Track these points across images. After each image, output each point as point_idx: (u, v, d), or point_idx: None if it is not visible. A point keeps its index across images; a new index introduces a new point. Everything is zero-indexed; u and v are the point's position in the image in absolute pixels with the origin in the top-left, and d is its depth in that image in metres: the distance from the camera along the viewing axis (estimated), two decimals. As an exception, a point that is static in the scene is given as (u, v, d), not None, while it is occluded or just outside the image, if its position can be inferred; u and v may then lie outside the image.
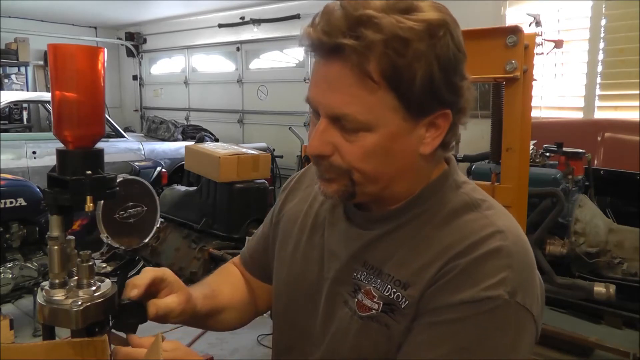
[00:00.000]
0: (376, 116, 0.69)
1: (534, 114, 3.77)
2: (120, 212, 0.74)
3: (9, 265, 3.02)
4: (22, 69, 8.04)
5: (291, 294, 0.91)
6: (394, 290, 0.75)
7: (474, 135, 4.14)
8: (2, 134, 5.02)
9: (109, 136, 5.51)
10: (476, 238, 0.71)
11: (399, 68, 0.66)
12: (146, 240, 0.76)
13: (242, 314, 1.03)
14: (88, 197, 0.65)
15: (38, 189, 3.16)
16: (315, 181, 0.85)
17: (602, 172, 3.27)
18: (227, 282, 1.05)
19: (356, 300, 0.79)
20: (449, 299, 0.69)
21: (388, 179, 0.76)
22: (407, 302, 0.73)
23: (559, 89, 4.36)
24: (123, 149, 5.54)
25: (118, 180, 0.67)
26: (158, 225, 0.78)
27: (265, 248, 1.03)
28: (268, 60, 7.11)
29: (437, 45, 0.67)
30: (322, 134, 0.72)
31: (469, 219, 0.75)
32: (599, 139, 3.65)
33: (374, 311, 0.76)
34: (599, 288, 2.55)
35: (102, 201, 0.70)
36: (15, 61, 7.78)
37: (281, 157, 5.97)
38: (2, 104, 5.29)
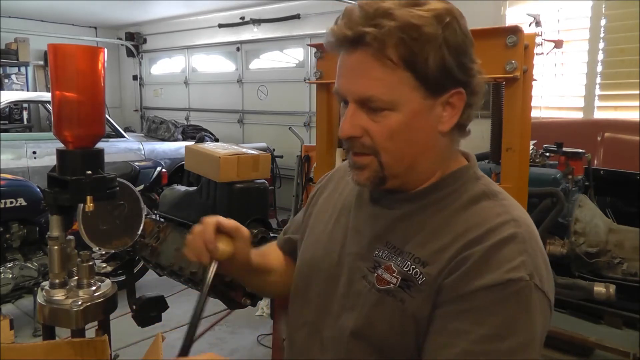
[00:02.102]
0: (399, 95, 0.77)
1: (534, 114, 3.77)
2: (103, 220, 0.74)
3: (9, 265, 3.02)
4: (22, 69, 8.04)
5: (313, 272, 0.96)
6: (413, 266, 0.79)
7: (474, 135, 4.13)
8: (2, 134, 5.02)
9: (109, 136, 5.51)
10: (492, 224, 0.77)
11: (413, 50, 0.75)
12: (138, 232, 0.76)
13: (285, 281, 1.07)
14: (88, 197, 0.65)
15: (38, 189, 3.16)
16: (348, 172, 0.92)
17: (602, 172, 3.26)
18: (275, 251, 1.14)
19: (376, 274, 0.83)
20: (473, 285, 0.73)
21: (412, 158, 0.82)
22: (425, 279, 0.77)
23: (559, 89, 4.36)
24: (123, 149, 5.54)
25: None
26: (145, 214, 0.78)
27: (301, 235, 1.09)
28: (268, 60, 7.11)
29: (445, 30, 0.76)
30: (352, 118, 0.80)
31: (486, 206, 0.81)
32: (599, 139, 3.65)
33: (391, 285, 0.80)
34: (599, 288, 2.55)
35: (82, 224, 0.70)
36: (15, 61, 7.79)
37: (281, 157, 5.97)
38: (2, 104, 5.28)
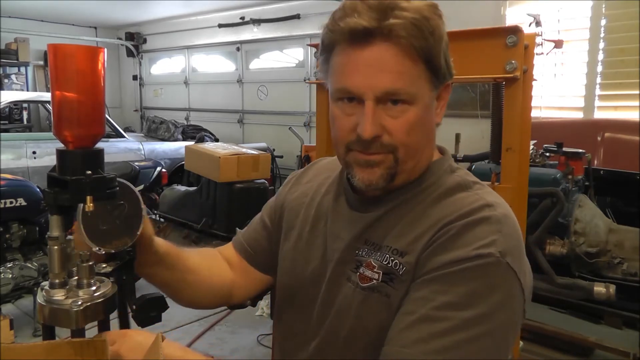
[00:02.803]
0: (418, 88, 0.77)
1: (534, 114, 3.77)
2: (104, 220, 0.73)
3: (9, 265, 3.02)
4: (22, 69, 8.04)
5: (295, 282, 0.94)
6: (392, 258, 0.80)
7: (474, 135, 4.14)
8: (2, 134, 5.02)
9: (109, 136, 5.51)
10: (467, 209, 0.77)
11: (429, 42, 0.75)
12: (138, 232, 0.75)
13: (210, 287, 1.00)
14: (88, 197, 0.65)
15: (38, 189, 3.16)
16: (328, 179, 0.94)
17: (602, 172, 3.26)
18: (199, 252, 1.05)
19: (358, 273, 0.83)
20: (442, 259, 0.73)
21: (421, 151, 0.83)
22: (405, 268, 0.78)
23: (559, 89, 4.36)
24: (123, 149, 5.54)
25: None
26: (145, 214, 0.77)
27: (267, 238, 1.06)
28: (268, 60, 7.11)
29: (443, 22, 0.78)
30: (373, 117, 0.77)
31: (461, 197, 0.81)
32: (599, 139, 3.65)
33: (374, 281, 0.80)
34: (599, 288, 2.55)
35: (82, 225, 0.70)
36: (15, 61, 7.78)
37: (281, 157, 5.97)
38: (2, 104, 5.28)
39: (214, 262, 1.05)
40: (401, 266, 0.78)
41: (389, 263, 0.80)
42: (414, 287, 0.76)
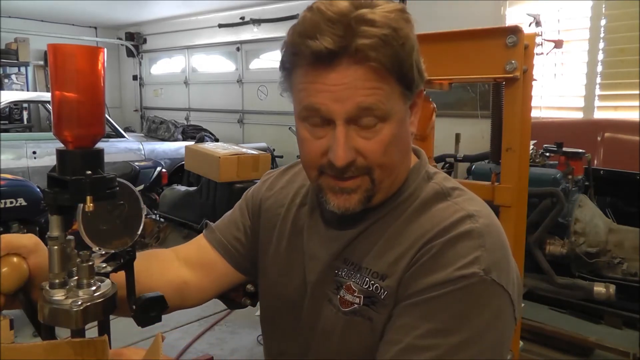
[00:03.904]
0: (392, 105, 0.73)
1: (534, 114, 3.77)
2: (104, 220, 0.73)
3: (9, 265, 3.02)
4: (22, 69, 8.04)
5: (277, 299, 0.91)
6: (372, 282, 0.76)
7: (474, 135, 4.15)
8: (2, 134, 5.02)
9: (109, 136, 5.51)
10: (446, 223, 0.73)
11: (400, 56, 0.70)
12: (138, 232, 0.75)
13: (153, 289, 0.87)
14: (88, 197, 0.64)
15: (38, 189, 3.16)
16: (302, 188, 0.90)
17: (602, 172, 3.26)
18: (138, 257, 0.88)
19: (339, 296, 0.80)
20: (424, 282, 0.70)
21: (398, 167, 0.78)
22: (386, 292, 0.74)
23: (559, 89, 4.36)
24: (123, 149, 5.54)
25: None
26: (145, 214, 0.77)
27: (246, 238, 0.99)
28: (268, 60, 7.12)
29: (412, 29, 0.74)
30: (345, 142, 0.72)
31: (440, 208, 0.77)
32: (599, 139, 3.65)
33: (355, 305, 0.77)
34: (599, 288, 2.55)
35: (82, 225, 0.69)
36: (15, 61, 7.79)
37: (281, 157, 5.97)
38: (2, 104, 5.28)
39: (155, 267, 0.93)
40: (382, 290, 0.75)
41: (369, 287, 0.76)
42: (397, 312, 0.72)
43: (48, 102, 5.59)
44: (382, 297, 0.75)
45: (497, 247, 0.72)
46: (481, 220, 0.73)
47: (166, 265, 0.96)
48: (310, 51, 0.69)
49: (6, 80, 7.72)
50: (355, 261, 0.80)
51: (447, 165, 3.85)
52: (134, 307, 0.77)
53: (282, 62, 0.77)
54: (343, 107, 0.71)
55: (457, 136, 3.89)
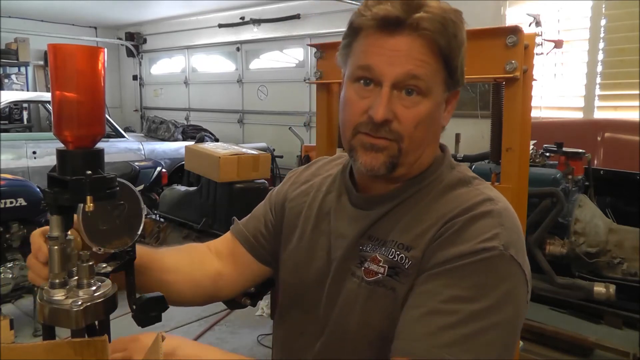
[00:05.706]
0: (434, 83, 0.79)
1: (534, 114, 3.76)
2: (104, 220, 0.73)
3: (9, 265, 3.02)
4: (22, 69, 8.04)
5: (299, 281, 0.95)
6: (398, 252, 0.81)
7: (474, 135, 4.14)
8: (2, 134, 5.02)
9: (109, 136, 5.51)
10: (469, 204, 0.79)
11: (451, 45, 0.78)
12: (138, 232, 0.75)
13: (193, 283, 0.99)
14: (88, 197, 0.64)
15: (38, 189, 3.16)
16: (328, 177, 0.96)
17: (602, 172, 3.26)
18: (178, 250, 1.04)
19: (363, 268, 0.84)
20: (447, 254, 0.75)
21: (424, 148, 0.84)
22: (410, 262, 0.79)
23: (559, 89, 4.36)
24: (123, 149, 5.54)
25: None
26: (145, 214, 0.77)
27: (269, 231, 1.05)
28: (268, 60, 7.11)
29: (464, 29, 0.81)
30: (387, 102, 0.78)
31: (462, 192, 0.83)
32: (599, 139, 3.65)
33: (379, 275, 0.81)
34: (599, 288, 2.55)
35: (82, 225, 0.69)
36: (15, 61, 7.79)
37: (281, 157, 5.97)
38: (2, 104, 5.28)
39: (195, 257, 1.03)
40: (407, 260, 0.79)
41: (394, 257, 0.81)
42: (420, 280, 0.76)
43: (48, 102, 5.59)
44: (406, 266, 0.79)
45: (515, 229, 0.77)
46: (500, 204, 0.79)
47: (204, 258, 1.04)
48: (382, 14, 0.77)
49: (6, 80, 7.72)
50: (381, 237, 0.85)
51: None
52: (134, 307, 0.77)
53: (349, 27, 0.83)
54: (394, 70, 0.77)
55: (457, 136, 3.89)
